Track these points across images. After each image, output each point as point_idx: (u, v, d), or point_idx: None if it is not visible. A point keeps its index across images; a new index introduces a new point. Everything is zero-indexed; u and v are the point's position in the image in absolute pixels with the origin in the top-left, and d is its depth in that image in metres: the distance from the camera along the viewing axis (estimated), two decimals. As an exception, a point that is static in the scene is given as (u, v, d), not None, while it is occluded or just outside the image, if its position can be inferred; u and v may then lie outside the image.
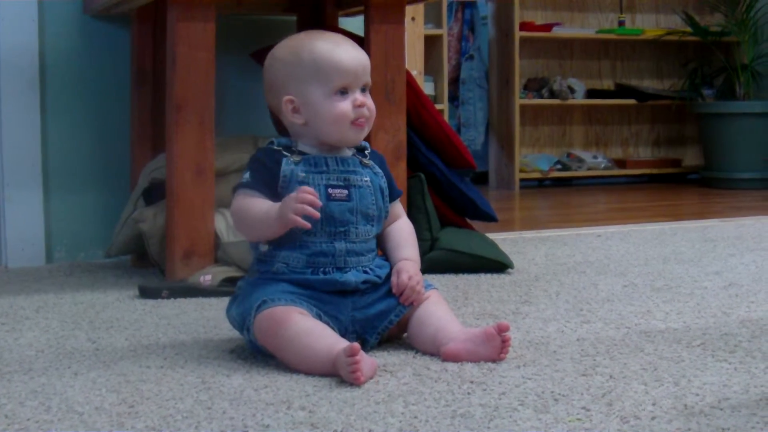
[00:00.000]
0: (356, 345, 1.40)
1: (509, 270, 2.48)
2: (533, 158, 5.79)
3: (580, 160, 5.85)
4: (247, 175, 1.62)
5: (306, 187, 1.54)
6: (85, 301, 2.12)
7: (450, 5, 5.72)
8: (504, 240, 3.00)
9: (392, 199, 1.70)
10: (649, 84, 6.22)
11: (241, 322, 1.59)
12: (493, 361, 1.52)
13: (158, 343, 1.70)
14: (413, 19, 4.69)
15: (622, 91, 6.03)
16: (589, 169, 5.84)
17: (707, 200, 4.77)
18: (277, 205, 1.56)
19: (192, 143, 2.25)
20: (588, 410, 1.27)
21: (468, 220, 2.75)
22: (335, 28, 2.70)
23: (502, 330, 1.51)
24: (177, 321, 1.90)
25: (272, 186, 1.60)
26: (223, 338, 1.73)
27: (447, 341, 1.54)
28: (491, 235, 2.80)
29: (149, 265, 2.56)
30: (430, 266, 2.42)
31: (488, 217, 2.74)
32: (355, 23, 2.92)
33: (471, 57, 5.99)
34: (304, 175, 1.60)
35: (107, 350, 1.66)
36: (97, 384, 1.43)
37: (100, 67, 2.78)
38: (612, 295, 2.11)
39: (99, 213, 2.78)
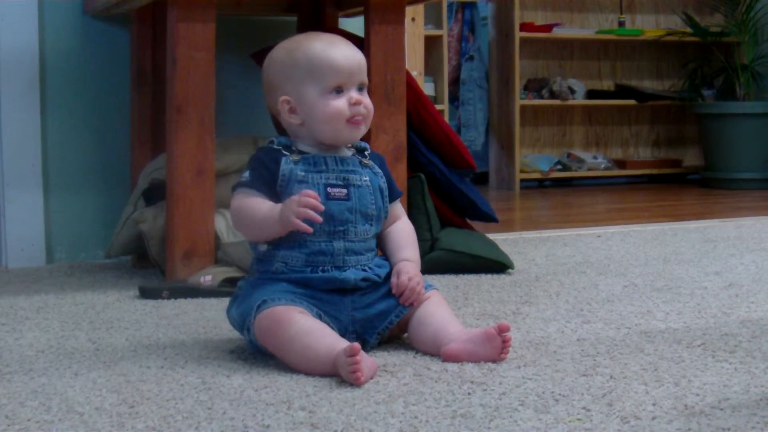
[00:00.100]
0: (356, 345, 1.40)
1: (509, 270, 2.48)
2: (533, 159, 5.79)
3: (580, 161, 5.85)
4: (246, 174, 1.62)
5: (308, 191, 1.54)
6: (85, 302, 2.12)
7: (450, 6, 5.72)
8: (504, 240, 3.00)
9: (392, 199, 1.69)
10: (649, 84, 6.22)
11: (242, 322, 1.59)
12: (494, 361, 1.52)
13: (158, 344, 1.70)
14: (413, 19, 4.69)
15: (622, 91, 6.03)
16: (590, 169, 5.84)
17: (707, 200, 4.77)
18: (279, 206, 1.56)
19: (192, 144, 2.25)
20: (588, 410, 1.27)
21: (468, 221, 2.75)
22: (335, 29, 2.70)
23: (502, 330, 1.51)
24: (177, 321, 1.90)
25: (272, 185, 1.60)
26: (223, 338, 1.73)
27: (447, 341, 1.54)
28: (491, 236, 2.80)
29: (149, 266, 2.56)
30: (430, 266, 2.42)
31: (488, 218, 2.74)
32: (355, 23, 2.92)
33: (471, 57, 5.99)
34: (303, 174, 1.60)
35: (107, 350, 1.66)
36: (97, 384, 1.43)
37: (100, 67, 2.78)
38: (612, 296, 2.11)
39: (99, 213, 2.78)
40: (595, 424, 1.21)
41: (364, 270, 1.61)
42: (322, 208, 1.54)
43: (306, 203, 1.52)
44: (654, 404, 1.29)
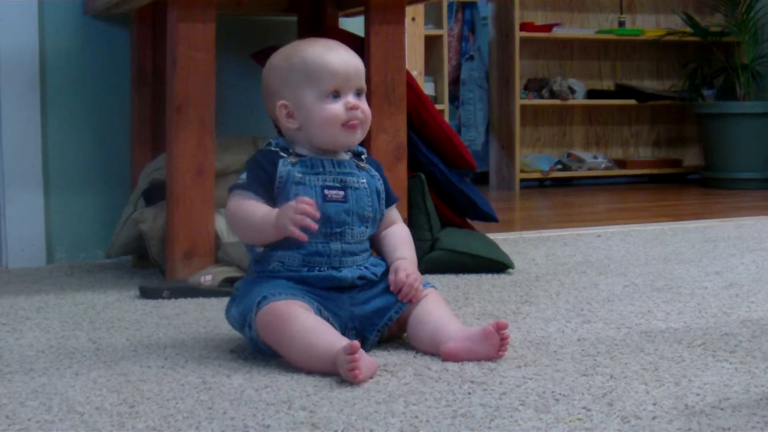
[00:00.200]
0: (356, 343, 1.40)
1: (510, 270, 2.48)
2: (533, 158, 5.79)
3: (581, 161, 5.85)
4: (243, 176, 1.62)
5: (304, 197, 1.54)
6: (85, 302, 2.12)
7: (450, 6, 5.72)
8: (504, 240, 3.00)
9: (388, 204, 1.70)
10: (649, 84, 6.22)
11: (242, 320, 1.59)
12: (492, 359, 1.52)
13: (159, 343, 1.70)
14: (413, 19, 4.69)
15: (622, 91, 6.03)
16: (590, 169, 5.84)
17: (707, 200, 4.77)
18: (275, 211, 1.56)
19: (192, 144, 2.25)
20: (589, 410, 1.27)
21: (468, 221, 2.75)
22: (335, 29, 2.71)
23: (500, 328, 1.51)
24: (177, 321, 1.90)
25: (268, 187, 1.60)
26: (223, 338, 1.73)
27: (446, 340, 1.55)
28: (492, 236, 2.80)
29: (150, 266, 2.56)
30: (430, 266, 2.42)
31: (488, 218, 2.74)
32: (355, 24, 2.91)
33: (471, 57, 5.99)
34: (300, 176, 1.60)
35: (108, 350, 1.66)
36: (97, 384, 1.43)
37: (100, 67, 2.78)
38: (612, 295, 2.11)
39: (99, 213, 2.78)
40: (595, 424, 1.21)
41: (360, 269, 1.62)
42: (318, 215, 1.54)
43: (302, 210, 1.52)
44: (654, 404, 1.29)
